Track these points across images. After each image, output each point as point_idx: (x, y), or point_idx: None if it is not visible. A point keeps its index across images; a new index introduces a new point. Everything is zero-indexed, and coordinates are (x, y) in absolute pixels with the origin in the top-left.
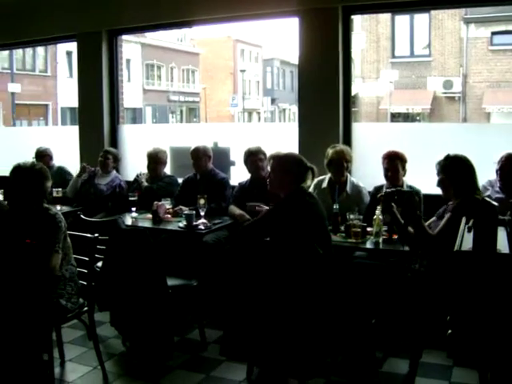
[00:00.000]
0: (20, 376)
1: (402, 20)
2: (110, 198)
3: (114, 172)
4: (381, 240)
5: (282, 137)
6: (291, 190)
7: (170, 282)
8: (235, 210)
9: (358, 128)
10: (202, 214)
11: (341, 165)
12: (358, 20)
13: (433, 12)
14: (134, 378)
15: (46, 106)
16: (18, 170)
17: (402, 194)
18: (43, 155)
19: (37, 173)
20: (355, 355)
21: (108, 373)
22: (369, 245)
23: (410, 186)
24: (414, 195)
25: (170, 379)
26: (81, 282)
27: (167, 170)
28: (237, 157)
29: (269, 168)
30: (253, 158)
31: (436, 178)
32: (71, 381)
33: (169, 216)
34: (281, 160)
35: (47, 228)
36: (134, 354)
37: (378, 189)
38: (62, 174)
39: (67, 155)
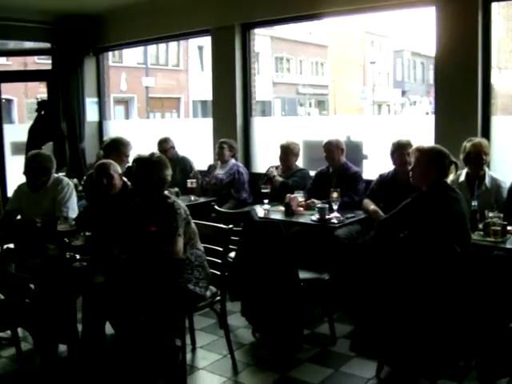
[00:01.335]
0: (154, 360)
1: None
2: (230, 185)
3: (233, 160)
4: None
5: (415, 130)
6: (434, 184)
7: (302, 274)
8: (369, 204)
9: (496, 121)
10: (335, 207)
11: (479, 158)
12: (494, 7)
13: None
14: (263, 368)
15: (179, 99)
16: (138, 160)
17: None
18: (166, 146)
19: (154, 163)
20: (490, 360)
21: (237, 362)
22: (509, 244)
23: None
24: None
25: (298, 372)
26: (214, 271)
27: (299, 163)
28: (369, 150)
29: (412, 160)
30: (401, 151)
31: None
32: (202, 367)
33: (301, 209)
34: (426, 152)
35: (167, 215)
36: (263, 345)
37: None
38: (184, 164)
39: (199, 147)
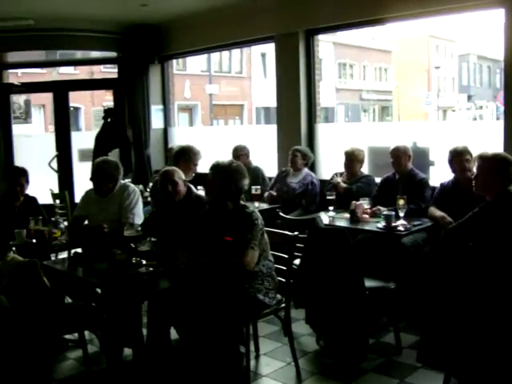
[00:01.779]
0: (218, 366)
1: None
2: (302, 196)
3: (306, 169)
4: None
5: (481, 136)
6: (498, 192)
7: (368, 283)
8: (435, 211)
9: None
10: (402, 214)
11: None
12: None
13: None
14: (327, 377)
15: (242, 106)
16: (216, 168)
17: None
18: (240, 153)
19: (233, 171)
20: None
21: (301, 370)
22: None
23: None
24: None
25: (362, 382)
26: (279, 278)
27: (364, 169)
28: (436, 157)
29: (475, 168)
30: (459, 157)
31: None
32: (265, 374)
33: (366, 216)
34: (489, 159)
35: (244, 225)
36: (327, 354)
37: None
38: (256, 174)
39: (262, 153)
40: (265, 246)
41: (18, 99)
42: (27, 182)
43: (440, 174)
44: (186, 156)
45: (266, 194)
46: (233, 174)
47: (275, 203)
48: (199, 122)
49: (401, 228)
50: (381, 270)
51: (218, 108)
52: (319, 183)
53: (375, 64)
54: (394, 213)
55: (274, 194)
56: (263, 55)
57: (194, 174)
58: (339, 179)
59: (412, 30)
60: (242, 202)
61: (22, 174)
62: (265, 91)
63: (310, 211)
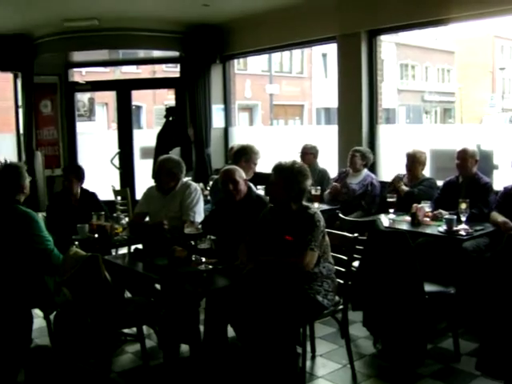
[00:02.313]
0: (275, 365)
1: None
2: (362, 197)
3: (365, 170)
4: None
5: None
6: None
7: (427, 287)
8: (498, 216)
9: None
10: (464, 219)
11: None
12: None
13: None
14: (383, 380)
15: (302, 106)
16: (278, 169)
17: None
18: (307, 152)
19: (296, 172)
20: None
21: (357, 372)
22: None
23: None
24: None
25: None
26: (337, 280)
27: (426, 172)
28: (500, 160)
29: None
30: None
31: None
32: (321, 375)
33: (428, 219)
34: None
35: (305, 226)
36: (384, 357)
37: None
38: (321, 177)
39: (322, 154)
40: (325, 247)
41: (83, 97)
42: (78, 178)
43: (504, 178)
44: (247, 155)
45: (326, 192)
46: (296, 175)
47: (335, 199)
48: (259, 121)
49: (462, 232)
50: (441, 274)
51: (278, 108)
52: (379, 184)
53: (438, 65)
54: (455, 217)
55: (338, 185)
56: (324, 55)
57: (253, 174)
58: (401, 182)
59: (476, 30)
60: (304, 203)
61: (72, 171)
62: (325, 92)
63: (369, 213)
